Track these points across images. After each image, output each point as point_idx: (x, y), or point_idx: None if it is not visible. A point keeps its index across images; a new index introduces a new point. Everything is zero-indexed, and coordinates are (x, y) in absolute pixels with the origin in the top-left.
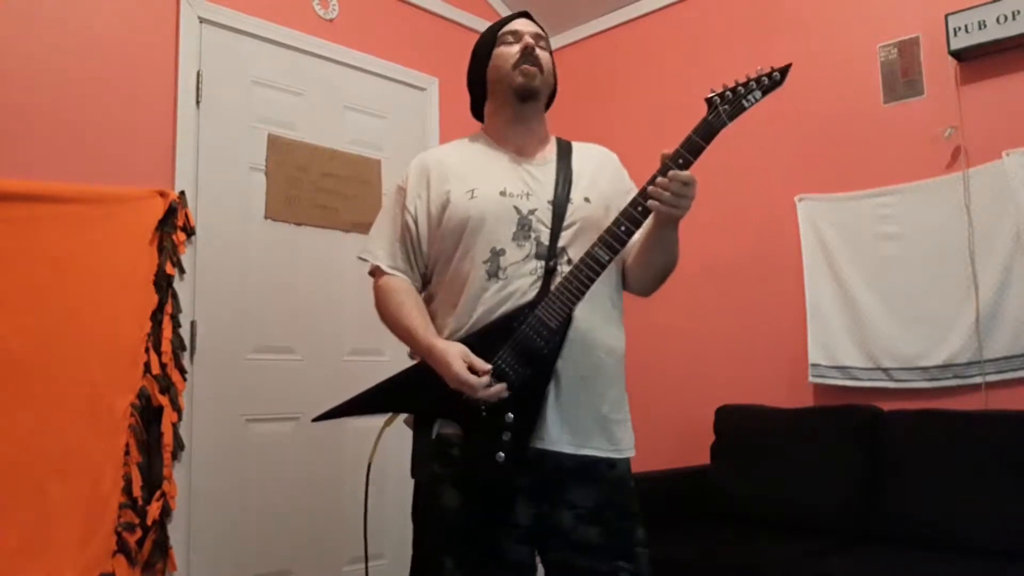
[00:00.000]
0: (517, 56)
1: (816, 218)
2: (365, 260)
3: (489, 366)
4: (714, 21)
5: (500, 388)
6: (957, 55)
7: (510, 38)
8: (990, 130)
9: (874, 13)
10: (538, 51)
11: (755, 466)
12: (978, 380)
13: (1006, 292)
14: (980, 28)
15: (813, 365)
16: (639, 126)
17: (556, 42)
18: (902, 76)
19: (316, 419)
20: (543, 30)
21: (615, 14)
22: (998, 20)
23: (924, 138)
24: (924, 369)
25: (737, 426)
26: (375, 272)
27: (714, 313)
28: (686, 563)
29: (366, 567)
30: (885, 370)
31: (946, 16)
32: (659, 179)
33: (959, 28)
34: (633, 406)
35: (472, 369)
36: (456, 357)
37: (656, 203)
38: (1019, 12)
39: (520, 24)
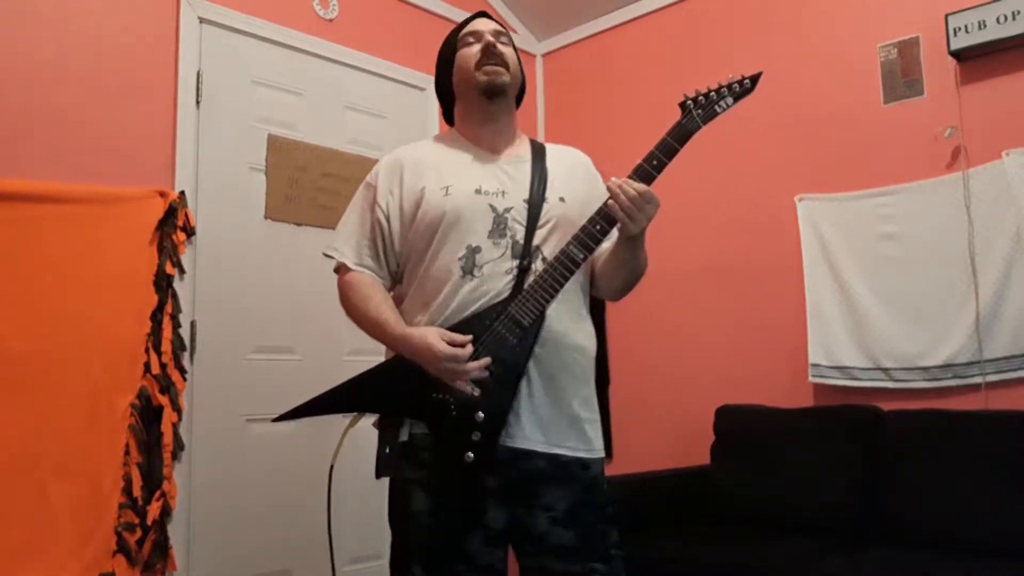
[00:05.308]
0: (479, 56)
1: (816, 218)
2: (330, 257)
3: (469, 336)
4: (714, 21)
5: (485, 362)
6: (957, 55)
7: (471, 39)
8: (990, 130)
9: (874, 13)
10: (500, 47)
11: (755, 466)
12: (978, 380)
13: (1006, 292)
14: (980, 28)
15: (813, 365)
16: (639, 127)
17: (555, 43)
18: (902, 76)
19: (276, 419)
20: (503, 26)
21: (615, 14)
22: (998, 20)
23: (924, 138)
24: (924, 369)
25: (737, 426)
26: (340, 269)
27: (714, 313)
28: (686, 563)
29: (332, 570)
30: (885, 370)
31: (946, 16)
32: (618, 179)
33: (959, 28)
34: (633, 406)
35: (453, 345)
36: (436, 338)
37: (614, 204)
38: (1019, 12)
39: (479, 24)
